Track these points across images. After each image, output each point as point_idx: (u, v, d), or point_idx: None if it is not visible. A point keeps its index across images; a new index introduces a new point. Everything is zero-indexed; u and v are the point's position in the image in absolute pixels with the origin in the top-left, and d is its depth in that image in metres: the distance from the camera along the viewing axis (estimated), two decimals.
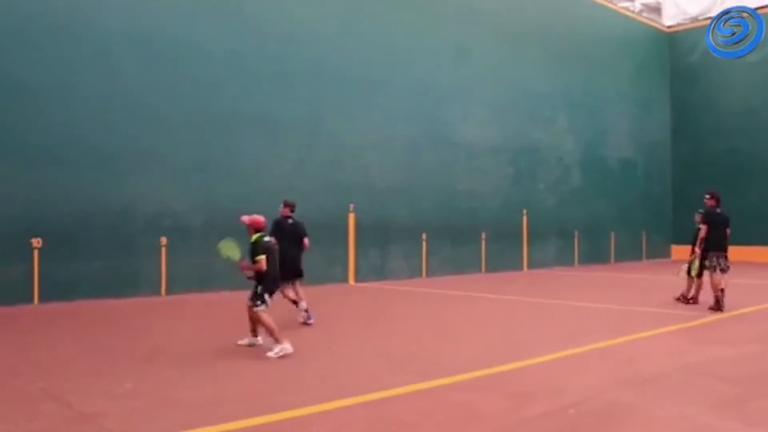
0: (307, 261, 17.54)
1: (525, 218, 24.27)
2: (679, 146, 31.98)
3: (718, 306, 12.48)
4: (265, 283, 8.60)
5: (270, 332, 8.46)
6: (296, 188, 17.66)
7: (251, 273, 8.63)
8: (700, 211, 13.36)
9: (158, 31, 15.52)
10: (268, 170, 17.16)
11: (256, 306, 8.55)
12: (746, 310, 12.86)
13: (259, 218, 8.90)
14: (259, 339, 9.02)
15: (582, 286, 18.95)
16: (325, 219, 18.08)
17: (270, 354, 8.30)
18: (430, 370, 7.66)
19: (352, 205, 18.67)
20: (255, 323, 8.86)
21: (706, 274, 12.99)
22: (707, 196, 13.22)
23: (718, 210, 13.02)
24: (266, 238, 8.82)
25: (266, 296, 8.57)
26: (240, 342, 9.07)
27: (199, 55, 16.14)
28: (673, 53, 32.31)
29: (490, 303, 14.88)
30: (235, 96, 16.68)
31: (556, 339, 9.86)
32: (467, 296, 15.86)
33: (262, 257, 8.51)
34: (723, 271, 12.62)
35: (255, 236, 8.73)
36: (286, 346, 8.38)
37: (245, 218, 8.90)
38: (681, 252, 30.83)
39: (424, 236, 20.66)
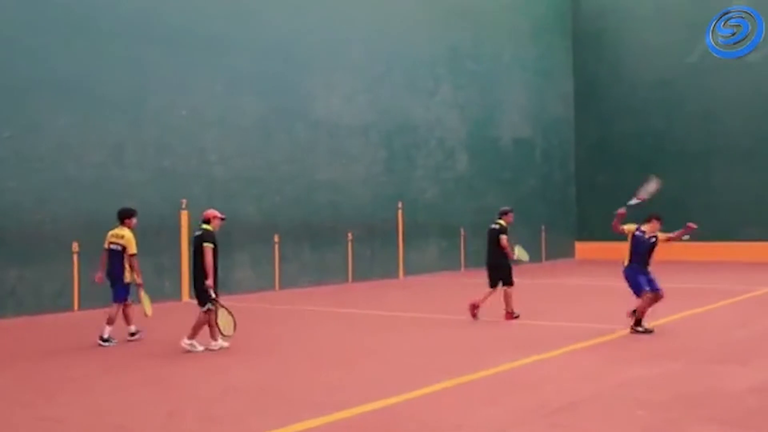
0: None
1: (400, 213, 24.86)
2: (583, 124, 33.62)
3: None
4: None
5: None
6: (113, 179, 17.45)
7: None
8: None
9: None
10: (75, 157, 16.82)
11: None
12: (660, 321, 13.77)
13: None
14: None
15: (472, 295, 19.59)
16: (152, 219, 17.89)
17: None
18: (297, 409, 7.94)
19: (184, 201, 18.56)
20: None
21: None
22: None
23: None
24: None
25: None
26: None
27: None
28: (577, 12, 33.91)
29: (363, 320, 15.29)
30: (31, 59, 16.21)
31: (449, 363, 10.38)
32: (333, 313, 16.18)
33: None
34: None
35: None
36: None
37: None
38: (586, 250, 32.62)
39: (276, 238, 20.80)
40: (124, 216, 12.72)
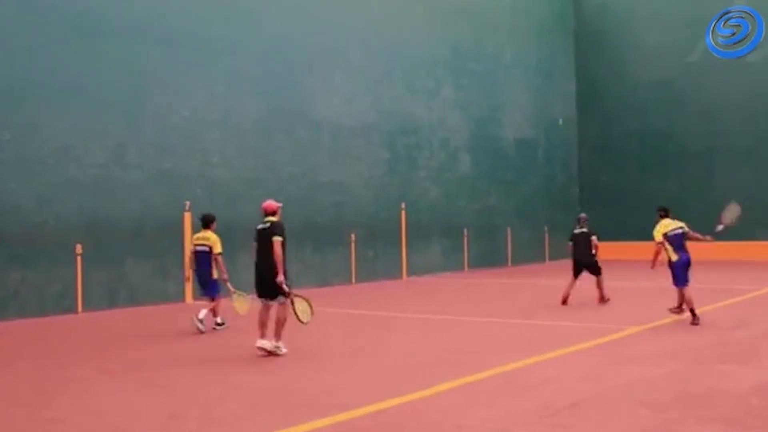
0: (134, 275, 17.34)
1: (403, 214, 24.85)
2: (586, 124, 33.64)
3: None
4: None
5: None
6: (115, 181, 17.45)
7: None
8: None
9: None
10: (76, 158, 16.83)
11: None
12: (663, 321, 13.81)
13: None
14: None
15: (475, 296, 19.67)
16: (154, 220, 17.93)
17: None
18: (299, 410, 7.93)
19: (188, 203, 18.54)
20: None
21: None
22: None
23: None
24: None
25: None
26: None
27: None
28: (578, 12, 33.93)
29: (365, 321, 15.32)
30: (31, 60, 16.22)
31: (450, 364, 10.37)
32: (336, 314, 16.15)
33: None
34: None
35: None
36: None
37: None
38: None
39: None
40: (210, 221, 14.07)
